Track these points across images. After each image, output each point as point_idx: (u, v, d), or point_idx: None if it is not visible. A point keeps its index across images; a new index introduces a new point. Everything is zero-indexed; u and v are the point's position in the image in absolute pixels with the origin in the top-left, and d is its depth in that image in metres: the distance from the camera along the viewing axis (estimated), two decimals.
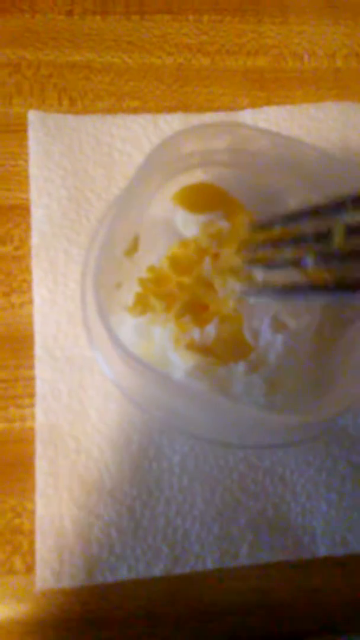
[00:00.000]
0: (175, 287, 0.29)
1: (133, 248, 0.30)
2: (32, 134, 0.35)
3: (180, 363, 0.27)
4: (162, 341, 0.29)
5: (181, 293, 0.29)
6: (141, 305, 0.29)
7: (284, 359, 0.29)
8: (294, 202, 0.32)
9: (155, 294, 0.29)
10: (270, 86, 0.40)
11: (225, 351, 0.29)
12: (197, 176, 0.32)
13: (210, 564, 0.28)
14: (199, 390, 0.28)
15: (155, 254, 0.30)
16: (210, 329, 0.28)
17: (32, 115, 0.36)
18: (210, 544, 0.29)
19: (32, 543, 0.28)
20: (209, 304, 0.29)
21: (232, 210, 0.31)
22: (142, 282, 0.29)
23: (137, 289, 0.29)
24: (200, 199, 0.31)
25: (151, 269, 0.29)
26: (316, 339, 0.31)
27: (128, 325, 0.29)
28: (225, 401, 0.28)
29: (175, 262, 0.29)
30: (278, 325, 0.30)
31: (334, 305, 0.31)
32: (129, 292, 0.29)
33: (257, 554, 0.29)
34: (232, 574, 0.29)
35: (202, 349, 0.28)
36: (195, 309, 0.29)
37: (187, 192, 0.31)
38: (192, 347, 0.28)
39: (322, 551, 0.29)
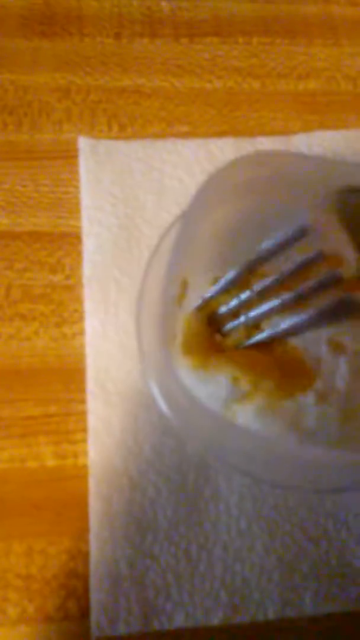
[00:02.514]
0: None
1: (182, 294, 0.29)
2: (82, 161, 0.35)
3: (247, 403, 0.26)
4: (223, 382, 0.28)
5: None
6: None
7: (352, 383, 0.28)
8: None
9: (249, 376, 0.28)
10: (322, 110, 0.39)
11: (289, 383, 0.28)
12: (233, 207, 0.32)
13: (271, 614, 0.27)
14: (260, 430, 0.27)
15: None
16: None
17: (83, 143, 0.35)
18: (271, 593, 0.28)
19: (86, 587, 0.27)
20: None
21: None
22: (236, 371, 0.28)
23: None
24: None
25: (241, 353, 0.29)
26: None
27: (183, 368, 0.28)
28: (289, 441, 0.26)
29: None
30: (336, 347, 0.28)
31: None
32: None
33: (320, 604, 0.27)
34: (293, 624, 0.27)
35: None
36: None
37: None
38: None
39: None
